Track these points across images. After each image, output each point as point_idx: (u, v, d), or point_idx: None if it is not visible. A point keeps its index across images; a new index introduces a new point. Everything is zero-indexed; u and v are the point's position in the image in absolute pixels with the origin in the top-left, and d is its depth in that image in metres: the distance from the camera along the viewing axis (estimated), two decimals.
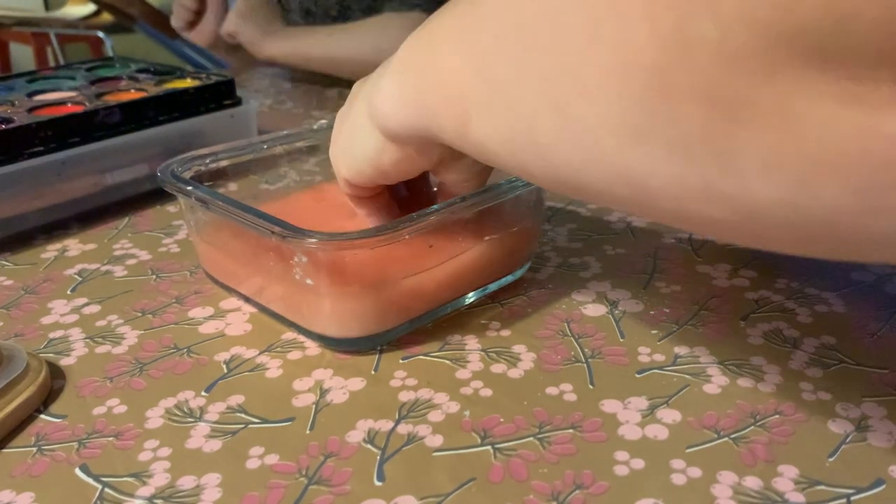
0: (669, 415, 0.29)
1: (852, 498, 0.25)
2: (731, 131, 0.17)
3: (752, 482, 0.26)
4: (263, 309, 0.37)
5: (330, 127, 0.44)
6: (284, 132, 0.44)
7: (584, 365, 0.33)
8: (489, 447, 0.28)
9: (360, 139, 0.32)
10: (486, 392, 0.31)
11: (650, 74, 0.18)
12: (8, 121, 0.46)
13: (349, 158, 0.33)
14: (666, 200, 0.20)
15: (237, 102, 0.56)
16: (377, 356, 0.34)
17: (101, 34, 2.33)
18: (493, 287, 0.38)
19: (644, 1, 0.18)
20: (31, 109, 0.49)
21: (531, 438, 0.28)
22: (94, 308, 0.38)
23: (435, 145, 0.30)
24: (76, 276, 0.42)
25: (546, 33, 0.21)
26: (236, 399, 0.31)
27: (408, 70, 0.29)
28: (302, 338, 0.35)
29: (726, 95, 0.17)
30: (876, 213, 0.17)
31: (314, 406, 0.31)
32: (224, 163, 0.41)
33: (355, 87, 0.35)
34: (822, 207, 0.17)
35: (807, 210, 0.18)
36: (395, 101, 0.29)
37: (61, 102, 0.52)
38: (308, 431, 0.29)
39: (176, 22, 1.04)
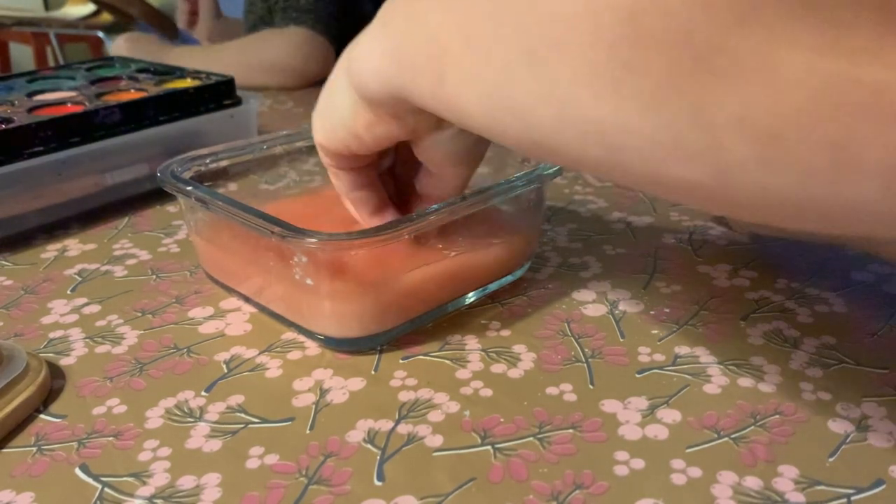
0: (669, 415, 0.29)
1: (852, 498, 0.25)
2: (704, 81, 0.17)
3: (752, 482, 0.26)
4: (263, 309, 0.37)
5: None
6: (284, 132, 0.44)
7: (584, 365, 0.33)
8: (489, 447, 0.28)
9: (336, 98, 0.31)
10: (486, 392, 0.31)
11: (622, 20, 0.18)
12: (8, 121, 0.46)
13: (324, 118, 0.32)
14: (639, 161, 0.20)
15: (237, 102, 0.56)
16: (377, 356, 0.34)
17: (101, 34, 2.33)
18: (493, 287, 0.38)
19: None
20: (31, 109, 0.49)
21: (531, 438, 0.28)
22: (94, 308, 0.38)
23: (410, 111, 0.29)
24: (76, 276, 0.42)
25: None
26: (236, 399, 0.31)
27: (387, 23, 0.28)
28: (302, 338, 0.35)
29: (699, 42, 0.16)
30: (851, 173, 0.16)
31: (314, 406, 0.31)
32: (224, 163, 0.41)
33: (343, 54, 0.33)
34: (794, 168, 0.17)
35: (779, 169, 0.17)
36: (371, 54, 0.28)
37: (61, 102, 0.52)
38: (308, 431, 0.29)
39: (181, 23, 1.13)
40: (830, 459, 0.27)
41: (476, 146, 0.33)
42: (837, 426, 0.29)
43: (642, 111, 0.18)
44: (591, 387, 0.31)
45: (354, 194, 0.35)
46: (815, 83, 0.15)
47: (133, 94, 0.54)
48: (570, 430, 0.29)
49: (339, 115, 0.31)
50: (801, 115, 0.16)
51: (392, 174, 0.38)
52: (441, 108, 0.26)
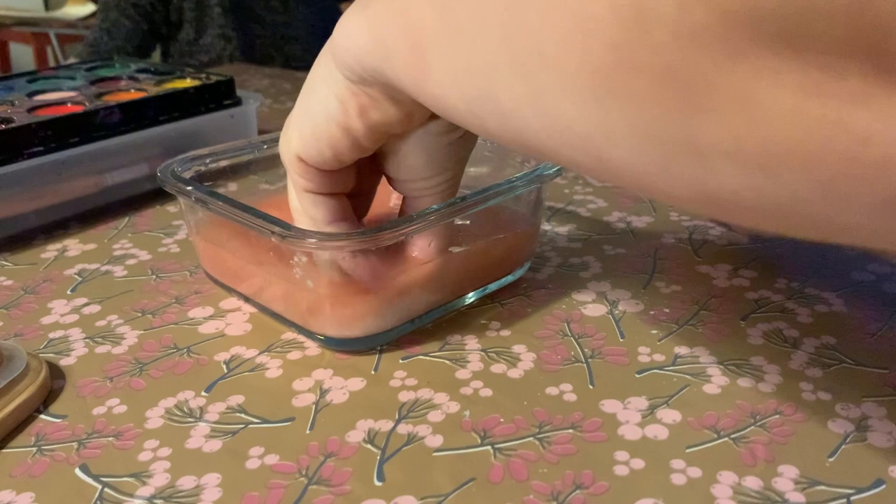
0: (669, 415, 0.29)
1: (852, 498, 0.25)
2: (692, 115, 0.17)
3: (752, 482, 0.26)
4: (263, 309, 0.37)
5: None
6: None
7: (584, 365, 0.33)
8: (489, 447, 0.28)
9: (319, 92, 0.28)
10: (486, 392, 0.31)
11: (608, 49, 0.17)
12: (8, 121, 0.46)
13: (303, 123, 0.29)
14: (629, 175, 0.20)
15: (237, 102, 0.56)
16: (377, 356, 0.34)
17: None
18: (493, 287, 0.38)
19: None
20: (31, 109, 0.49)
21: (531, 438, 0.28)
22: (94, 308, 0.38)
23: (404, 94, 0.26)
24: (76, 276, 0.42)
25: None
26: (236, 399, 0.31)
27: (372, 3, 0.26)
28: (302, 338, 0.35)
29: (686, 77, 0.16)
30: (841, 206, 0.16)
31: (314, 406, 0.31)
32: (224, 163, 0.41)
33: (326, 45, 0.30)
34: (786, 196, 0.17)
35: (771, 196, 0.17)
36: (353, 32, 0.26)
37: (61, 102, 0.52)
38: (308, 431, 0.29)
39: None
40: (830, 459, 0.27)
41: (459, 150, 0.32)
42: (837, 426, 0.29)
43: (630, 133, 0.18)
44: (590, 387, 0.31)
45: (332, 227, 0.32)
46: (802, 125, 0.15)
47: (133, 94, 0.53)
48: (570, 430, 0.29)
49: (325, 109, 0.28)
50: (789, 155, 0.16)
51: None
52: (425, 100, 0.25)
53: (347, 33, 0.27)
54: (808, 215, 0.17)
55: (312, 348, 0.34)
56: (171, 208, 0.51)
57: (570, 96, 0.19)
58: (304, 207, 0.32)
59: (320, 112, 0.29)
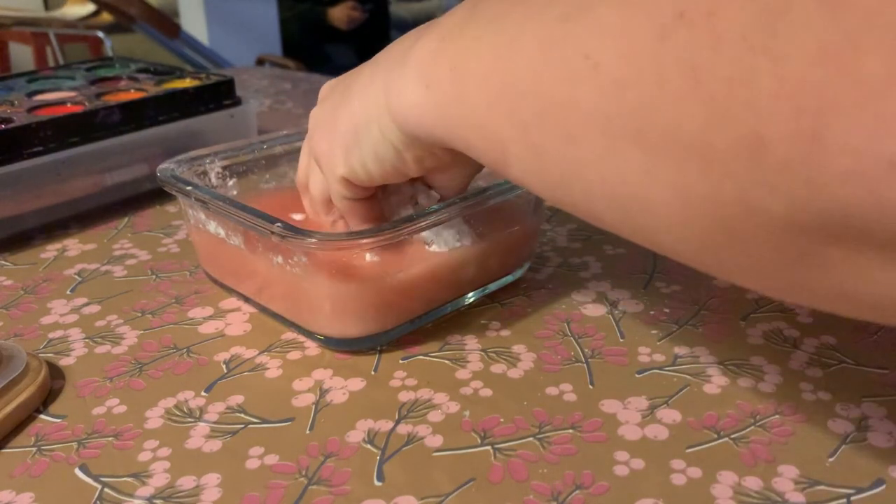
0: (669, 415, 0.29)
1: (852, 498, 0.25)
2: (805, 268, 0.18)
3: (752, 482, 0.26)
4: (263, 309, 0.37)
5: None
6: (284, 132, 0.44)
7: (584, 365, 0.33)
8: (489, 447, 0.28)
9: (372, 133, 0.29)
10: (486, 392, 0.31)
11: (713, 223, 0.19)
12: (8, 121, 0.46)
13: (355, 154, 0.31)
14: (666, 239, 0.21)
15: (237, 102, 0.56)
16: (377, 356, 0.34)
17: (100, 34, 2.33)
18: (493, 287, 0.38)
19: (701, 159, 0.18)
20: (30, 109, 0.49)
21: (531, 438, 0.28)
22: (94, 308, 0.38)
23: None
24: (76, 276, 0.42)
25: (593, 136, 0.21)
26: (236, 399, 0.31)
27: (433, 86, 0.26)
28: (302, 338, 0.35)
29: (794, 249, 0.18)
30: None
31: (314, 406, 0.31)
32: (224, 163, 0.41)
33: (325, 89, 0.34)
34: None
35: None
36: (420, 114, 0.27)
37: (61, 102, 0.52)
38: (308, 431, 0.29)
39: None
40: (830, 459, 0.27)
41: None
42: (837, 426, 0.29)
43: (742, 273, 0.21)
44: (590, 387, 0.31)
45: (366, 226, 0.34)
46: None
47: (133, 94, 0.53)
48: (570, 431, 0.29)
49: (379, 151, 0.30)
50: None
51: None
52: (502, 176, 0.27)
53: (407, 104, 0.27)
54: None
55: (312, 348, 0.34)
56: (171, 208, 0.51)
57: (671, 239, 0.21)
58: (343, 211, 0.34)
59: (372, 152, 0.30)
